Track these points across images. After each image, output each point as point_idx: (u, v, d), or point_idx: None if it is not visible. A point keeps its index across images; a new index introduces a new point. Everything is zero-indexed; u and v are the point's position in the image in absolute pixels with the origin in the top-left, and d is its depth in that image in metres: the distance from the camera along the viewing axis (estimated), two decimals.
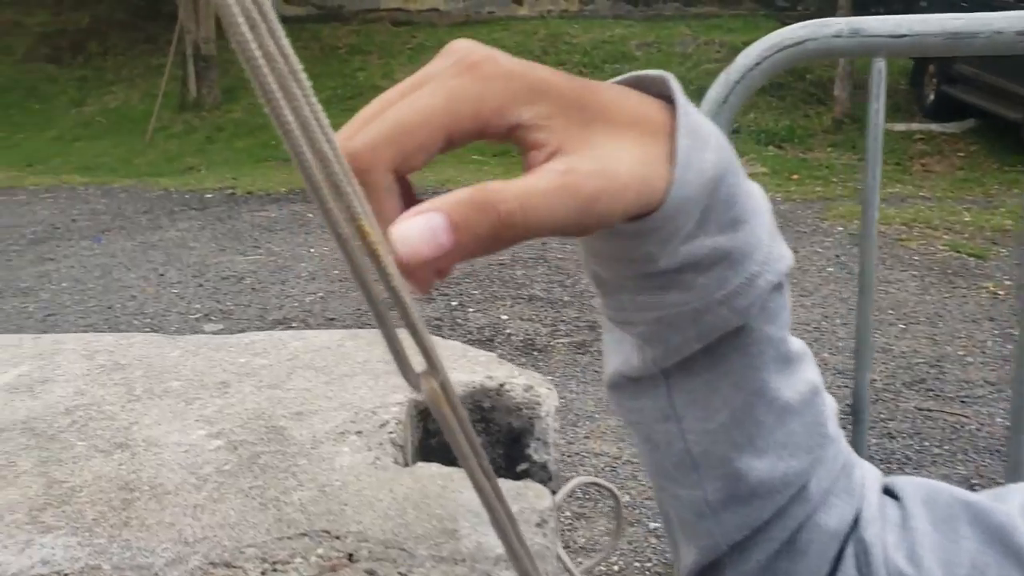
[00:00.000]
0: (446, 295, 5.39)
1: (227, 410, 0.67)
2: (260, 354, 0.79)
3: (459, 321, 4.99)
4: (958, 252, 6.42)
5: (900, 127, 10.03)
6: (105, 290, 5.78)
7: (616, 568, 2.95)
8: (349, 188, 0.31)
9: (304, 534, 0.51)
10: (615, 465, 3.56)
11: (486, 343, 4.67)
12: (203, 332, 4.80)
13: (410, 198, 0.45)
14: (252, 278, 5.92)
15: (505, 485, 0.59)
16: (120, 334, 0.83)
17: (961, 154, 9.85)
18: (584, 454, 3.66)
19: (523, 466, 0.74)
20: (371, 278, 0.36)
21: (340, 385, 0.66)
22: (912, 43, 1.14)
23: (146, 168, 9.80)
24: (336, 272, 5.97)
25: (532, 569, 0.48)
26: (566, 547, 2.92)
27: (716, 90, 1.22)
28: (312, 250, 6.48)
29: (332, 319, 5.18)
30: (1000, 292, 5.67)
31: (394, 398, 0.69)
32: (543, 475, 0.74)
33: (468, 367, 0.75)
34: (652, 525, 3.06)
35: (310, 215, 7.46)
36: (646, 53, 12.20)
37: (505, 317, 5.00)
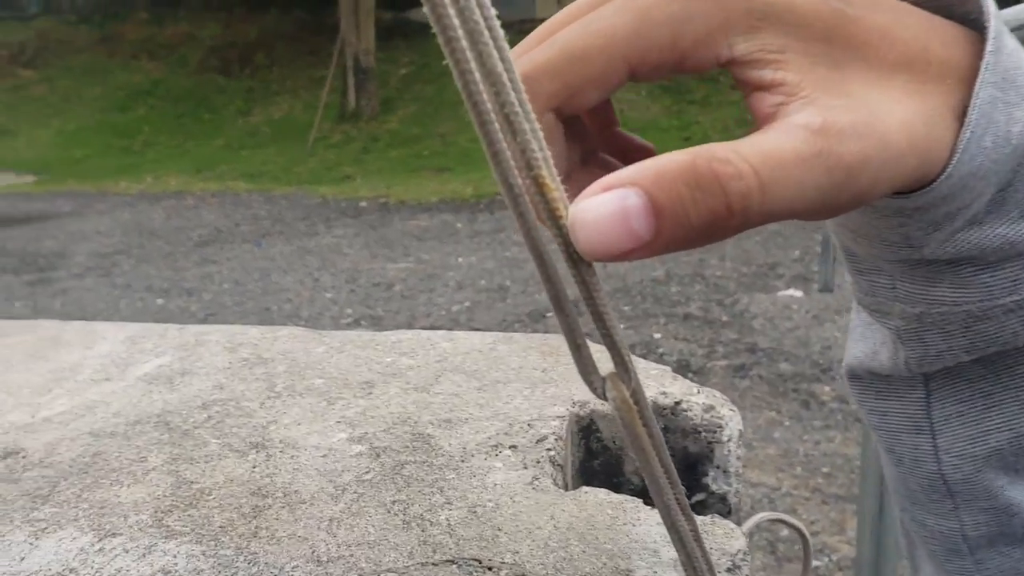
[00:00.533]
0: None
1: (370, 412, 0.61)
2: (407, 354, 0.73)
3: None
4: None
5: None
6: (263, 292, 5.98)
7: None
8: (527, 126, 0.23)
9: (452, 561, 0.43)
10: (773, 497, 3.36)
11: (638, 358, 4.54)
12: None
13: (603, 155, 0.36)
14: (402, 285, 6.00)
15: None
16: (265, 327, 0.78)
17: None
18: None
19: (699, 496, 0.64)
20: (549, 247, 0.28)
21: (493, 392, 0.59)
22: None
23: (306, 176, 10.15)
24: (483, 283, 5.98)
25: None
26: None
27: None
28: (460, 259, 6.52)
29: (478, 328, 5.17)
30: None
31: (553, 410, 0.61)
32: (722, 508, 0.64)
33: (648, 381, 0.66)
34: (813, 563, 2.88)
35: (459, 225, 7.53)
36: None
37: (658, 336, 4.85)
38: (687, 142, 10.21)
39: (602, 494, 0.52)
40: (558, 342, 0.77)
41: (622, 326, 4.97)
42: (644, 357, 4.53)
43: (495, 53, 0.23)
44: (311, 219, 7.93)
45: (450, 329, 3.57)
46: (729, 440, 0.63)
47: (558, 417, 0.61)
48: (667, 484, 0.32)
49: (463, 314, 5.41)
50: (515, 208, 0.25)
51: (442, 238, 7.16)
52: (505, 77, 0.23)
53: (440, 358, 0.72)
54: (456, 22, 0.22)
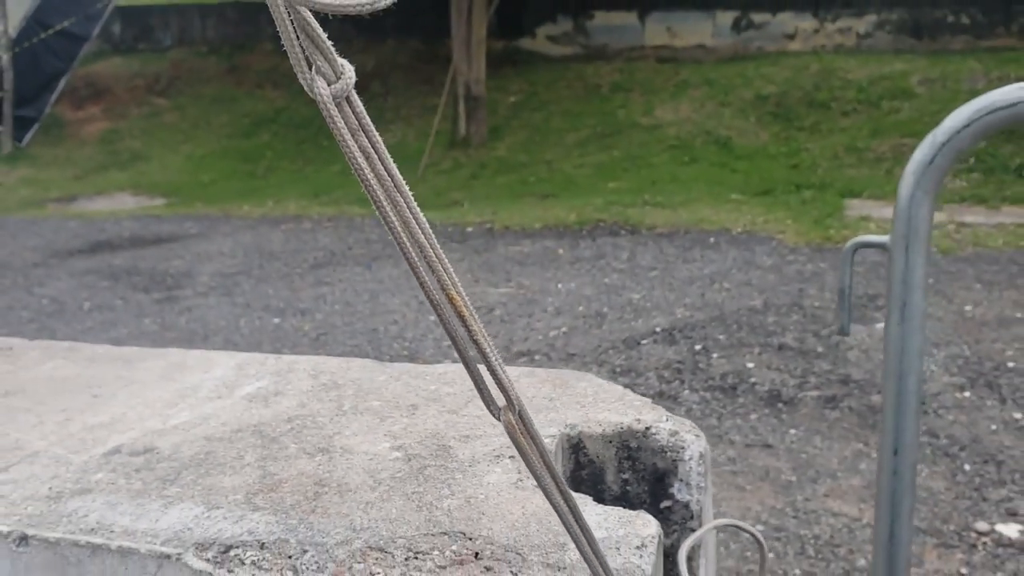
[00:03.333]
0: (690, 338, 5.39)
1: (411, 428, 0.80)
2: (448, 383, 0.92)
3: (701, 366, 4.96)
4: None
5: None
6: (371, 313, 6.30)
7: None
8: (441, 267, 0.41)
9: (445, 533, 0.62)
10: (853, 527, 3.41)
11: (728, 390, 4.61)
12: (451, 360, 5.11)
13: None
14: (502, 310, 6.22)
15: (617, 512, 0.67)
16: (342, 358, 0.98)
17: None
18: (820, 512, 3.54)
19: (666, 503, 0.81)
20: (459, 333, 0.46)
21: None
22: None
23: (416, 201, 10.53)
24: (581, 309, 6.15)
25: (604, 570, 0.56)
26: None
27: (922, 151, 1.22)
28: (560, 285, 6.70)
29: (573, 354, 5.34)
30: None
31: (548, 431, 0.78)
32: (685, 513, 0.81)
33: (621, 409, 0.83)
34: None
35: (560, 251, 7.72)
36: (929, 89, 11.49)
37: (751, 365, 4.92)
38: (795, 169, 10.15)
39: (592, 507, 0.69)
40: (572, 378, 0.95)
41: (715, 354, 5.06)
42: (735, 387, 4.61)
43: (419, 229, 0.41)
44: None
45: (547, 354, 3.79)
46: (691, 459, 0.80)
47: (551, 436, 0.78)
48: (546, 474, 0.50)
49: (559, 339, 5.59)
50: (437, 312, 0.43)
51: (543, 264, 7.36)
52: (428, 244, 0.42)
53: (472, 387, 0.90)
54: (394, 217, 0.41)
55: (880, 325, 5.27)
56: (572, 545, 0.58)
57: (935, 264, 6.53)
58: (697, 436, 0.81)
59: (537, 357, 5.25)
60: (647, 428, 0.80)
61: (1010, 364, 4.48)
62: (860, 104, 11.29)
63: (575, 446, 0.81)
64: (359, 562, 0.61)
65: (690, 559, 0.81)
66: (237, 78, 15.16)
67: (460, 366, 0.95)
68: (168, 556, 0.63)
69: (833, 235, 7.54)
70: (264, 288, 6.95)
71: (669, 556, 0.81)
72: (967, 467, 3.46)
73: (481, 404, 0.86)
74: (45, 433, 0.84)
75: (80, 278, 7.53)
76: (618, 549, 0.61)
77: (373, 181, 0.41)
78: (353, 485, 0.71)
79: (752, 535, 0.83)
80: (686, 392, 4.42)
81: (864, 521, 3.33)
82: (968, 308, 5.57)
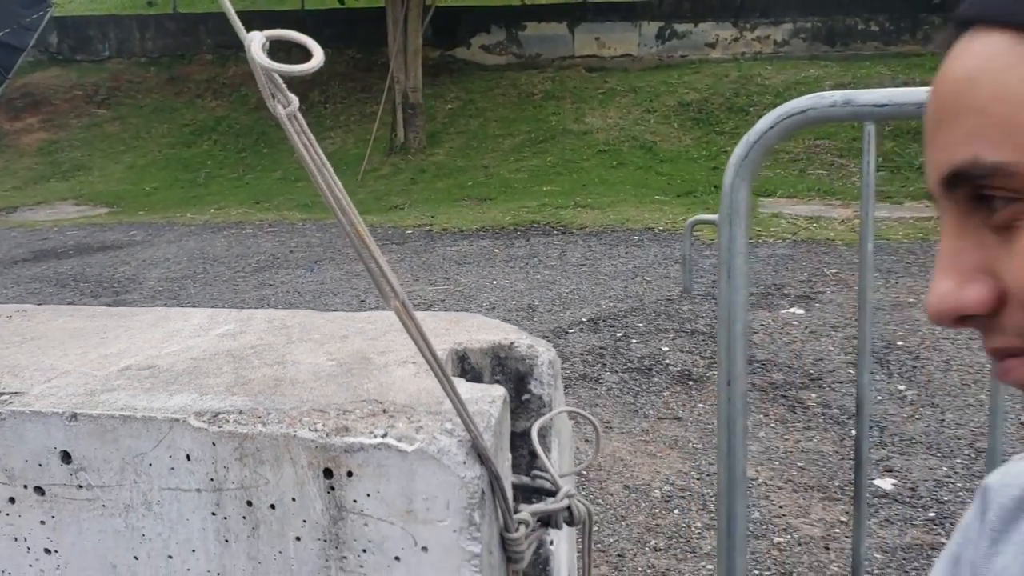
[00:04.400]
0: (612, 326, 5.75)
1: (343, 349, 1.12)
2: (371, 323, 1.23)
3: (621, 351, 5.32)
4: None
5: None
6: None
7: None
8: (352, 212, 0.72)
9: (364, 400, 0.93)
10: (749, 486, 3.79)
11: (644, 371, 4.97)
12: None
13: None
14: (439, 306, 6.52)
15: (480, 386, 1.00)
16: (289, 310, 1.30)
17: None
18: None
19: (526, 396, 1.14)
20: (366, 252, 0.78)
21: (403, 335, 1.09)
22: (892, 111, 1.45)
23: (357, 206, 10.66)
24: (514, 303, 6.48)
25: (464, 412, 0.88)
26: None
27: (740, 148, 1.57)
28: (495, 282, 7.03)
29: None
30: None
31: (443, 346, 1.11)
32: (539, 403, 1.13)
33: (496, 333, 1.15)
34: (776, 539, 3.29)
35: (496, 250, 8.06)
36: None
37: (666, 348, 5.30)
38: (715, 171, 10.62)
39: (463, 384, 1.01)
40: (465, 317, 1.27)
41: (635, 340, 5.44)
42: (650, 368, 4.99)
43: (341, 196, 0.73)
44: None
45: None
46: (543, 364, 1.13)
47: (443, 349, 1.11)
48: (423, 342, 0.82)
49: None
50: (351, 237, 0.75)
51: (480, 262, 7.69)
52: (346, 202, 0.73)
53: (390, 324, 1.23)
54: (329, 194, 0.72)
55: (784, 311, 5.70)
56: (448, 401, 0.90)
57: (840, 256, 7.02)
58: (548, 349, 1.14)
59: None
60: (512, 343, 1.13)
61: (899, 343, 4.93)
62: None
63: (461, 357, 1.13)
64: (306, 416, 0.93)
65: (543, 437, 1.14)
66: (177, 88, 15.24)
67: (380, 312, 1.28)
68: (177, 419, 0.94)
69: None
70: (209, 291, 7.16)
71: (527, 434, 1.14)
72: (853, 432, 3.87)
73: (394, 333, 1.19)
74: (72, 360, 1.14)
75: (27, 285, 7.66)
76: (476, 403, 0.94)
77: (314, 169, 0.72)
78: (301, 380, 1.02)
79: (589, 420, 1.16)
80: (607, 374, 4.78)
81: (760, 480, 3.72)
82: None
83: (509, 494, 0.98)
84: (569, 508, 1.05)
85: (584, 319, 5.84)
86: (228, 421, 0.93)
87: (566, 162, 11.77)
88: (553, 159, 11.96)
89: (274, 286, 7.30)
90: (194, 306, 6.75)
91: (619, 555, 3.08)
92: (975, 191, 0.53)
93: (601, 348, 5.26)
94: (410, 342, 1.11)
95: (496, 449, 0.95)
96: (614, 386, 4.57)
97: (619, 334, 5.53)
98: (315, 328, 1.24)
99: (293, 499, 0.92)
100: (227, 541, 0.96)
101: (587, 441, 3.81)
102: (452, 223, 9.30)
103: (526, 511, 1.02)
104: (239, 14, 0.70)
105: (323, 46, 0.72)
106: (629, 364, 4.98)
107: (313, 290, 7.13)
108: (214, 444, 0.93)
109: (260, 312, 1.34)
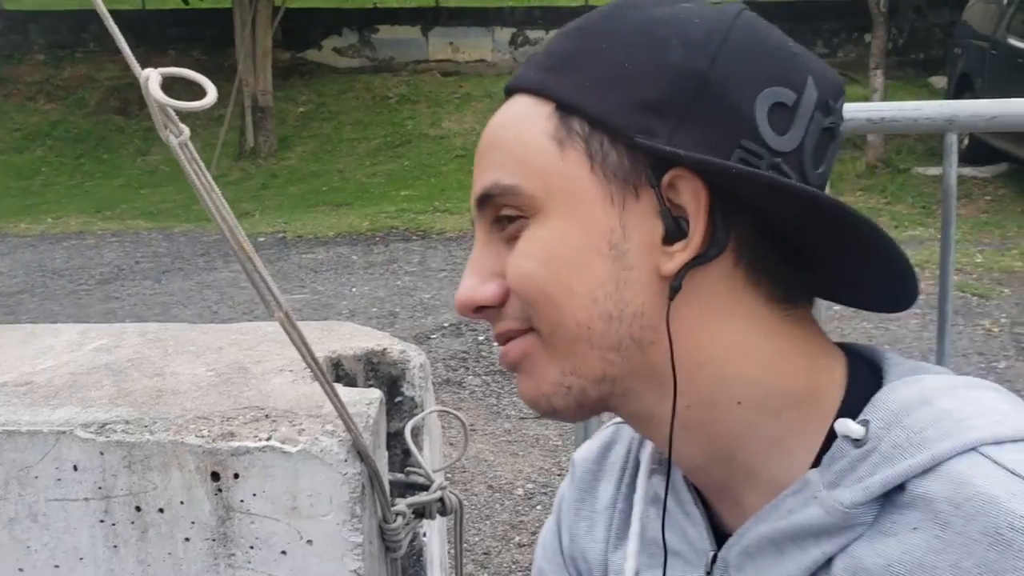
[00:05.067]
0: (475, 330, 5.86)
1: (220, 360, 1.16)
2: (244, 334, 1.28)
3: (484, 354, 5.44)
4: (963, 292, 6.72)
5: (933, 171, 10.30)
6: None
7: None
8: (237, 231, 0.79)
9: (246, 407, 0.99)
10: None
11: (506, 373, 5.11)
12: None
13: None
14: (297, 315, 6.44)
15: (357, 390, 1.07)
16: (161, 323, 1.33)
17: (988, 197, 10.07)
18: None
19: (398, 398, 1.22)
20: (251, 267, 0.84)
21: (287, 345, 1.15)
22: None
23: (204, 214, 10.44)
24: (374, 310, 6.51)
25: (345, 414, 0.96)
26: None
27: None
28: (354, 289, 7.03)
29: None
30: (995, 329, 5.98)
31: (317, 355, 1.17)
32: (412, 405, 1.22)
33: (369, 340, 1.23)
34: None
35: (354, 257, 8.04)
36: None
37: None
38: None
39: (342, 390, 1.08)
40: (337, 325, 1.34)
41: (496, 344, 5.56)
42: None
43: (228, 213, 0.79)
44: (210, 255, 8.32)
45: None
46: (414, 367, 1.21)
47: (319, 356, 1.17)
48: (308, 355, 0.89)
49: None
50: (235, 248, 0.81)
51: (337, 270, 7.65)
52: (231, 220, 0.80)
53: (264, 335, 1.28)
54: (215, 211, 0.78)
55: None
56: (329, 405, 0.97)
57: None
58: (419, 353, 1.22)
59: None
60: (384, 349, 1.21)
61: None
62: None
63: (335, 364, 1.20)
64: (192, 424, 0.98)
65: (415, 436, 1.22)
66: (6, 90, 14.39)
67: (252, 324, 1.33)
68: (64, 431, 0.97)
69: None
70: (50, 306, 6.86)
71: (401, 434, 1.22)
72: None
73: (268, 343, 1.24)
74: None
75: None
76: (355, 405, 1.01)
77: (204, 193, 0.78)
78: (183, 390, 1.07)
79: (457, 417, 1.25)
80: (470, 377, 4.90)
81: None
82: None
83: (387, 488, 1.06)
84: (442, 499, 1.14)
85: (446, 324, 5.93)
86: (116, 431, 0.97)
87: (424, 167, 11.83)
88: (410, 163, 12.00)
89: (120, 299, 7.05)
90: (34, 322, 6.45)
91: (485, 553, 3.18)
92: (496, 212, 0.71)
93: (464, 352, 5.36)
94: (285, 351, 1.17)
95: (374, 447, 1.02)
96: (477, 389, 4.69)
97: (481, 338, 5.64)
98: (189, 341, 1.28)
99: (181, 502, 0.97)
100: (116, 547, 0.99)
101: (451, 444, 3.91)
102: (307, 229, 9.20)
103: (402, 503, 1.10)
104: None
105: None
106: (491, 367, 5.10)
107: (162, 302, 6.93)
108: (102, 454, 0.96)
109: (132, 326, 1.36)
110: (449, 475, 3.63)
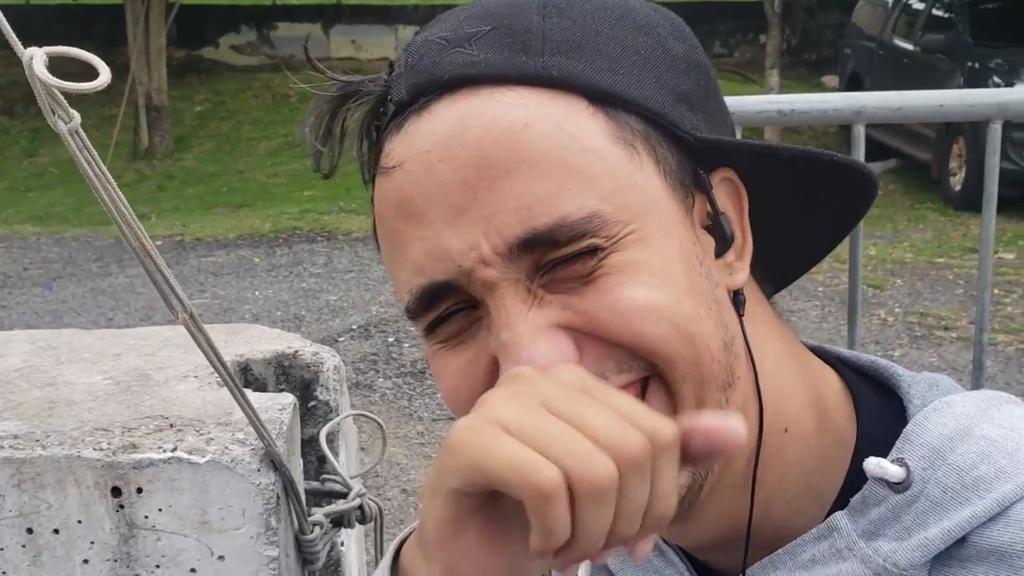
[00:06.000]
0: (384, 332, 5.77)
1: (118, 367, 1.09)
2: (144, 339, 1.21)
3: (394, 356, 5.35)
4: None
5: None
6: None
7: None
8: (137, 227, 0.72)
9: (148, 417, 0.93)
10: None
11: (418, 375, 5.03)
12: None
13: None
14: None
15: (268, 395, 1.02)
16: (53, 329, 1.24)
17: (879, 192, 10.45)
18: None
19: (312, 403, 1.16)
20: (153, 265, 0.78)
21: (190, 350, 1.08)
22: None
23: (97, 217, 10.09)
24: (279, 314, 6.35)
25: (257, 421, 0.90)
26: None
27: None
28: (257, 293, 6.85)
29: None
30: (889, 318, 6.20)
31: (223, 359, 1.11)
32: (326, 409, 1.16)
33: (278, 342, 1.17)
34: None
35: (257, 260, 7.84)
36: None
37: None
38: None
39: (252, 394, 1.02)
40: (244, 328, 1.27)
41: (407, 344, 5.49)
42: (423, 371, 5.06)
43: (130, 217, 0.73)
44: (103, 260, 8.00)
45: None
46: (328, 370, 1.16)
47: (225, 360, 1.11)
48: (214, 358, 0.83)
49: None
50: (135, 250, 0.75)
51: (239, 273, 7.44)
52: (133, 222, 0.73)
53: (165, 340, 1.21)
54: (113, 208, 0.72)
55: None
56: (239, 412, 0.91)
57: None
58: (333, 355, 1.17)
59: None
60: (296, 351, 1.15)
61: None
62: None
63: (244, 368, 1.14)
64: (89, 436, 0.91)
65: (331, 441, 1.17)
66: None
67: (151, 328, 1.26)
68: None
69: None
70: None
71: (315, 441, 1.16)
72: None
73: (170, 348, 1.17)
74: None
75: None
76: (267, 411, 0.95)
77: (98, 184, 0.72)
78: (78, 400, 0.99)
79: (375, 420, 1.20)
80: (380, 380, 4.81)
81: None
82: None
83: (303, 498, 1.00)
84: (361, 507, 1.09)
85: (354, 326, 5.82)
86: (3, 447, 0.90)
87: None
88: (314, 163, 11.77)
89: (8, 307, 6.71)
90: None
91: None
92: (551, 253, 0.56)
93: (373, 355, 5.27)
94: (189, 356, 1.10)
95: (289, 455, 0.97)
96: (388, 392, 4.61)
97: (391, 339, 5.56)
98: (84, 347, 1.20)
99: (79, 521, 0.90)
100: (4, 573, 0.91)
101: (364, 449, 3.82)
102: (206, 232, 8.93)
103: (319, 513, 1.05)
104: None
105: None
106: (402, 369, 5.03)
107: (53, 310, 6.63)
108: None
109: (20, 333, 1.27)
110: (363, 481, 3.55)
